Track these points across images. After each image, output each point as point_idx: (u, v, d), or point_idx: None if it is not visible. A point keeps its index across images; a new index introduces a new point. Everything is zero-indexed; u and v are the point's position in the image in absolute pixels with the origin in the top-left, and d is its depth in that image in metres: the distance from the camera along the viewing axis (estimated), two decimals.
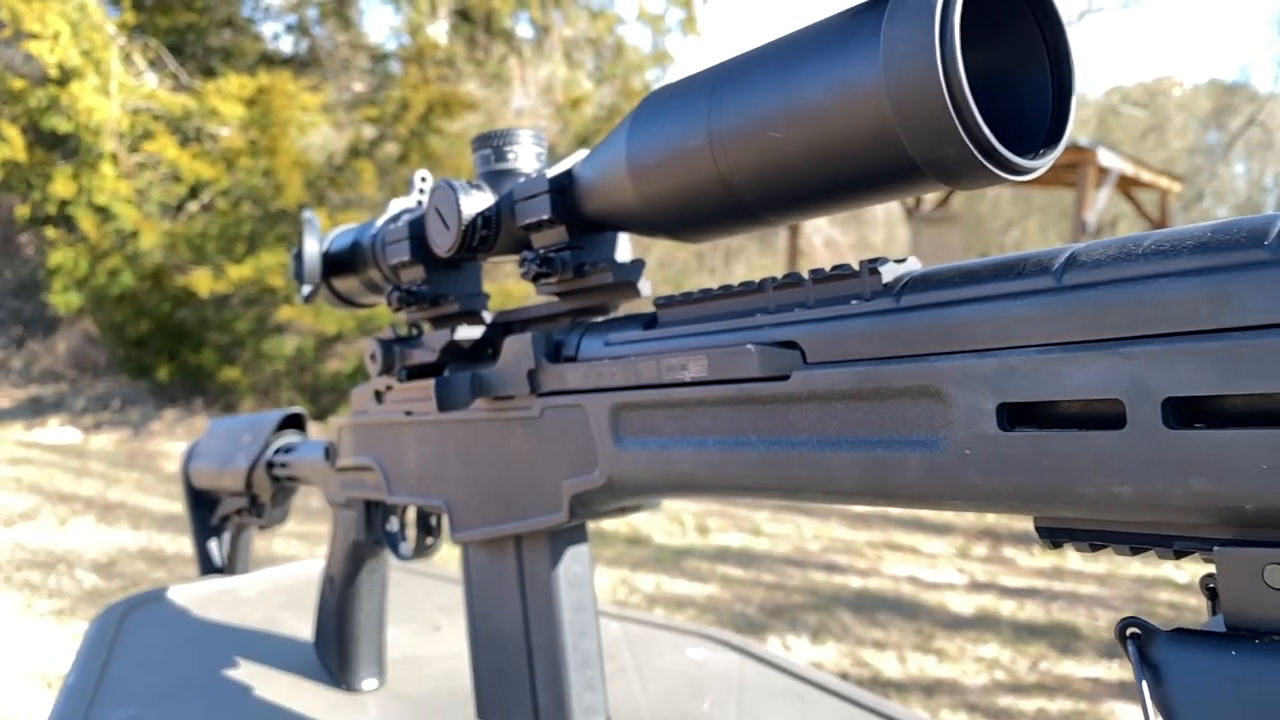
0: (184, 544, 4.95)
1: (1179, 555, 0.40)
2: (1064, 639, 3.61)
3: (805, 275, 0.53)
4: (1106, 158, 9.59)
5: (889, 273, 0.50)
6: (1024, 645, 3.67)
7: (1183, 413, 0.38)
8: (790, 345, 0.52)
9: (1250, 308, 0.36)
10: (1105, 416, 0.40)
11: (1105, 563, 4.96)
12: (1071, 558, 4.96)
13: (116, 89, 8.21)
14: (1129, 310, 0.39)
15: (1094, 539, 0.42)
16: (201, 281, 8.03)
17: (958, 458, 0.44)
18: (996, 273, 0.44)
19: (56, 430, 8.63)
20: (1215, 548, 0.38)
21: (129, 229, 8.26)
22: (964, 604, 4.13)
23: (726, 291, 0.58)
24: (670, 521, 5.70)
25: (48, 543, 4.97)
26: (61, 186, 8.26)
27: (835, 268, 0.52)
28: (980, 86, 0.46)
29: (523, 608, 0.75)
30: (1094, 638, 3.83)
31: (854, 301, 0.50)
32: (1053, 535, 0.44)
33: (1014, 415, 0.43)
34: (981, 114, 0.44)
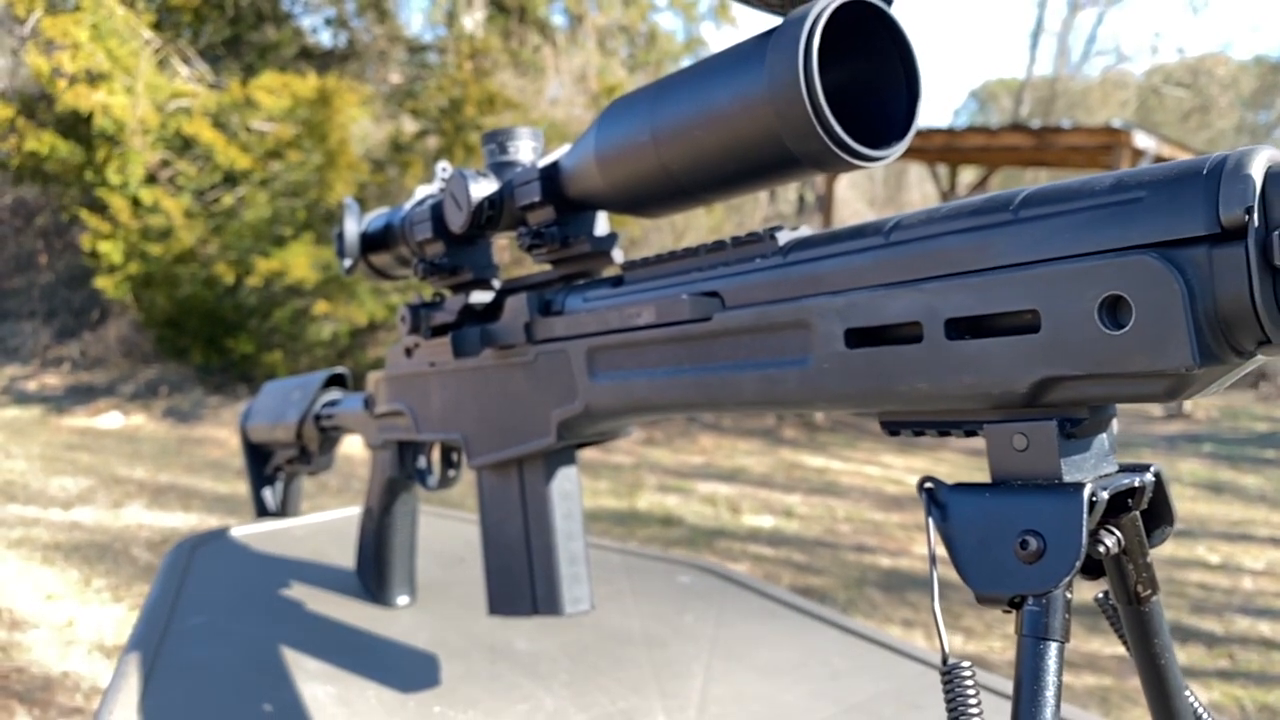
0: (232, 524, 5.15)
1: (968, 434, 0.56)
2: (1091, 618, 3.68)
3: (728, 241, 0.69)
4: (1142, 140, 9.58)
5: (783, 237, 0.65)
6: None
7: (957, 329, 0.53)
8: (713, 294, 0.68)
9: (998, 253, 0.51)
10: (911, 335, 0.55)
11: None
12: None
13: (143, 89, 8.49)
14: (927, 258, 0.55)
15: (915, 427, 0.58)
16: (226, 271, 8.31)
17: (819, 371, 0.60)
18: (851, 234, 0.60)
19: (108, 416, 8.91)
20: (984, 426, 0.54)
21: (162, 221, 8.55)
22: None
23: (673, 255, 0.74)
24: (703, 503, 5.83)
25: (104, 523, 5.14)
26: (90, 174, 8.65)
27: (748, 234, 0.68)
28: (851, 92, 0.62)
29: (524, 518, 0.92)
30: None
31: (757, 260, 0.66)
32: (891, 427, 0.60)
33: (855, 337, 0.58)
34: (849, 115, 0.60)
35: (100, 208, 8.99)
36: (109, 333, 10.74)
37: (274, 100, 8.41)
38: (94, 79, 8.33)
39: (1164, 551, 4.85)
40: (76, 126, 8.98)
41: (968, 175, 11.92)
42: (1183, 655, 3.54)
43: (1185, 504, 5.98)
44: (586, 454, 7.15)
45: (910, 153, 9.76)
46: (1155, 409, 9.35)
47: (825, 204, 10.68)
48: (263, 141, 8.69)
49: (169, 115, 8.84)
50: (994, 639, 3.57)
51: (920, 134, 9.04)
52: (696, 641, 1.11)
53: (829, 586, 4.23)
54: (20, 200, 12.34)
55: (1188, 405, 9.11)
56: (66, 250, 11.83)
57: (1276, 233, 0.42)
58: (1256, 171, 0.43)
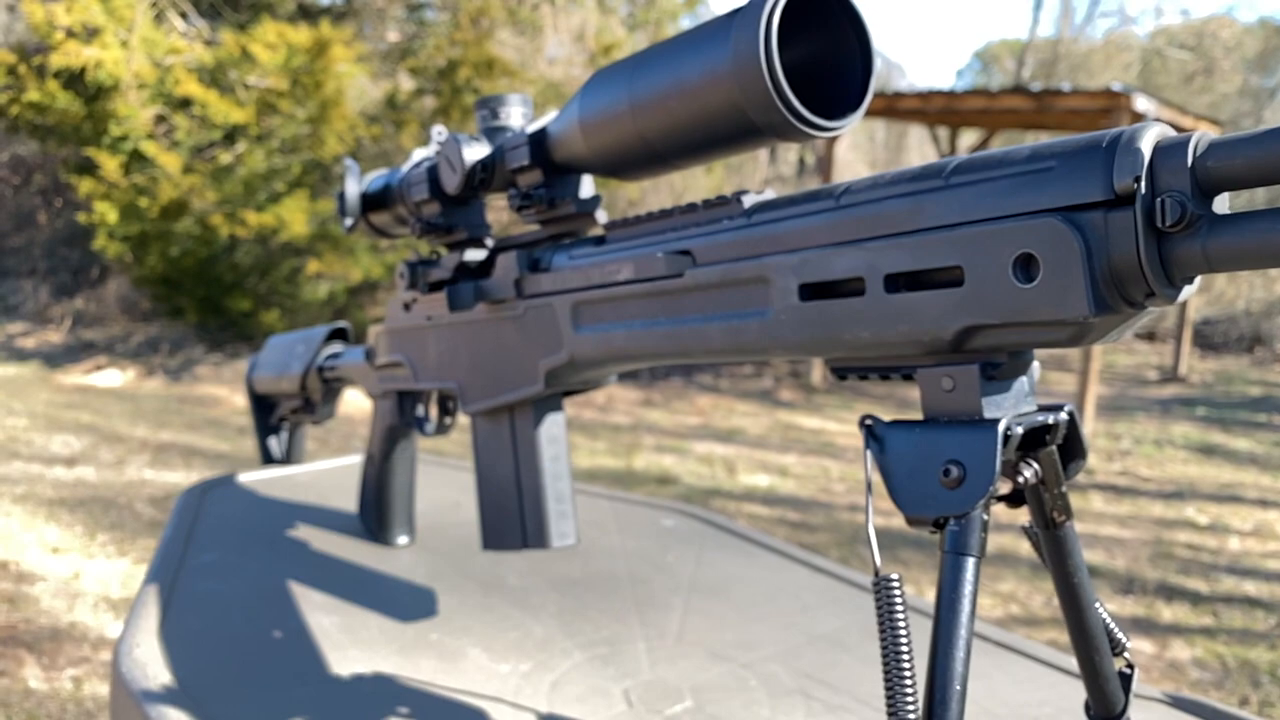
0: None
1: (906, 378, 0.62)
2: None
3: (700, 204, 0.76)
4: (1142, 103, 9.55)
5: (749, 200, 0.72)
6: (1041, 582, 3.81)
7: (894, 283, 0.60)
8: (685, 253, 0.75)
9: (930, 215, 0.58)
10: (855, 289, 0.62)
11: (1127, 505, 5.11)
12: (1094, 501, 5.13)
13: (138, 43, 8.46)
14: (870, 220, 0.61)
15: (860, 371, 0.65)
16: (221, 222, 8.34)
17: (777, 322, 0.67)
18: (807, 198, 0.67)
19: (109, 374, 8.97)
20: (918, 370, 0.61)
21: (157, 174, 8.54)
22: None
23: (651, 216, 0.80)
24: (700, 463, 5.91)
25: (107, 479, 5.21)
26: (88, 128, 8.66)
27: (718, 197, 0.74)
28: (811, 66, 0.68)
29: (514, 460, 0.99)
30: (1111, 576, 3.95)
31: (725, 221, 0.72)
32: (839, 372, 0.67)
33: (808, 291, 0.65)
34: (809, 87, 0.66)
35: (92, 168, 8.98)
36: (108, 291, 10.77)
37: (270, 55, 8.37)
38: (91, 34, 8.31)
39: (1151, 513, 4.95)
40: (74, 81, 8.96)
41: (968, 138, 11.87)
42: (1167, 612, 3.63)
43: (1176, 466, 6.06)
44: (585, 415, 7.23)
45: (910, 115, 9.73)
46: (1152, 373, 9.43)
47: (825, 166, 10.66)
48: (257, 95, 8.66)
49: (166, 70, 8.81)
50: (984, 596, 3.64)
51: (920, 96, 9.03)
52: (677, 578, 1.19)
53: (822, 544, 4.32)
54: (18, 158, 12.33)
55: (1183, 369, 9.17)
56: (66, 208, 11.84)
57: (1160, 199, 0.48)
58: (1146, 145, 0.49)
